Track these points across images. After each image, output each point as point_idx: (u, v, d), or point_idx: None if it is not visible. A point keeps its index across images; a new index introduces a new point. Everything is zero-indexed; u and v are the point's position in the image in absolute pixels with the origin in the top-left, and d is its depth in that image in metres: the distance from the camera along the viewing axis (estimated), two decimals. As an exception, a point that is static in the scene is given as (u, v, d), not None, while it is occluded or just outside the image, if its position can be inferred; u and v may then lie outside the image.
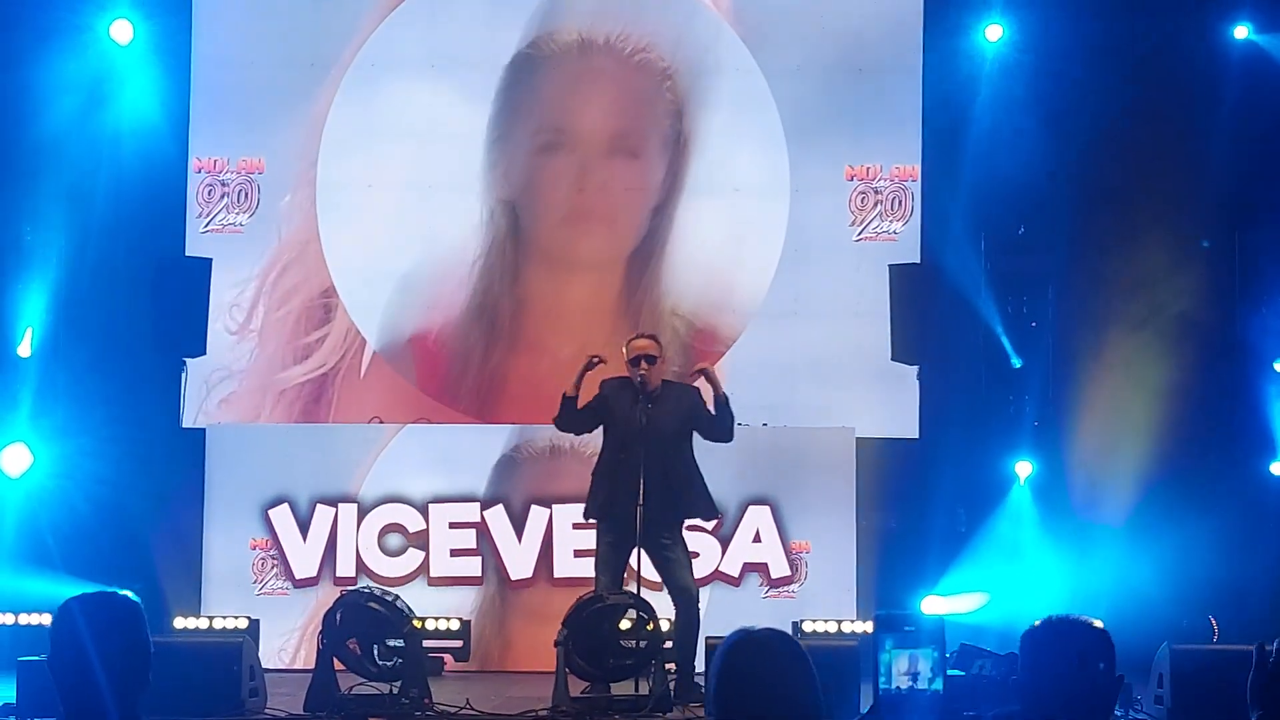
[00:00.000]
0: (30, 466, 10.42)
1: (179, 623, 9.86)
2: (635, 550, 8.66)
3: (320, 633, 8.49)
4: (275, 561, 10.41)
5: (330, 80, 10.82)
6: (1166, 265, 10.66)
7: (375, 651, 8.44)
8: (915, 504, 10.64)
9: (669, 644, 9.05)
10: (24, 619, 9.90)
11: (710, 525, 9.43)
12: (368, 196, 10.84)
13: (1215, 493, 10.55)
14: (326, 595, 9.75)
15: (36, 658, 7.61)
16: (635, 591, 8.60)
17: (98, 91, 10.67)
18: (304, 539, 10.33)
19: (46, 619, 9.17)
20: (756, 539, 10.34)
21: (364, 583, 9.77)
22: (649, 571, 8.73)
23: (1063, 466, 10.74)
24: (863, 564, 10.53)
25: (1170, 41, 10.80)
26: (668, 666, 8.54)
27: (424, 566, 10.35)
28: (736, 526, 10.30)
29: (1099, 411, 10.63)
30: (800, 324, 10.83)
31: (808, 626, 9.83)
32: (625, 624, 8.52)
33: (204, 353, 10.45)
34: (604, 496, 8.74)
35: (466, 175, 10.82)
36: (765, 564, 10.36)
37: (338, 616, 8.44)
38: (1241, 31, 10.99)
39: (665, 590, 8.80)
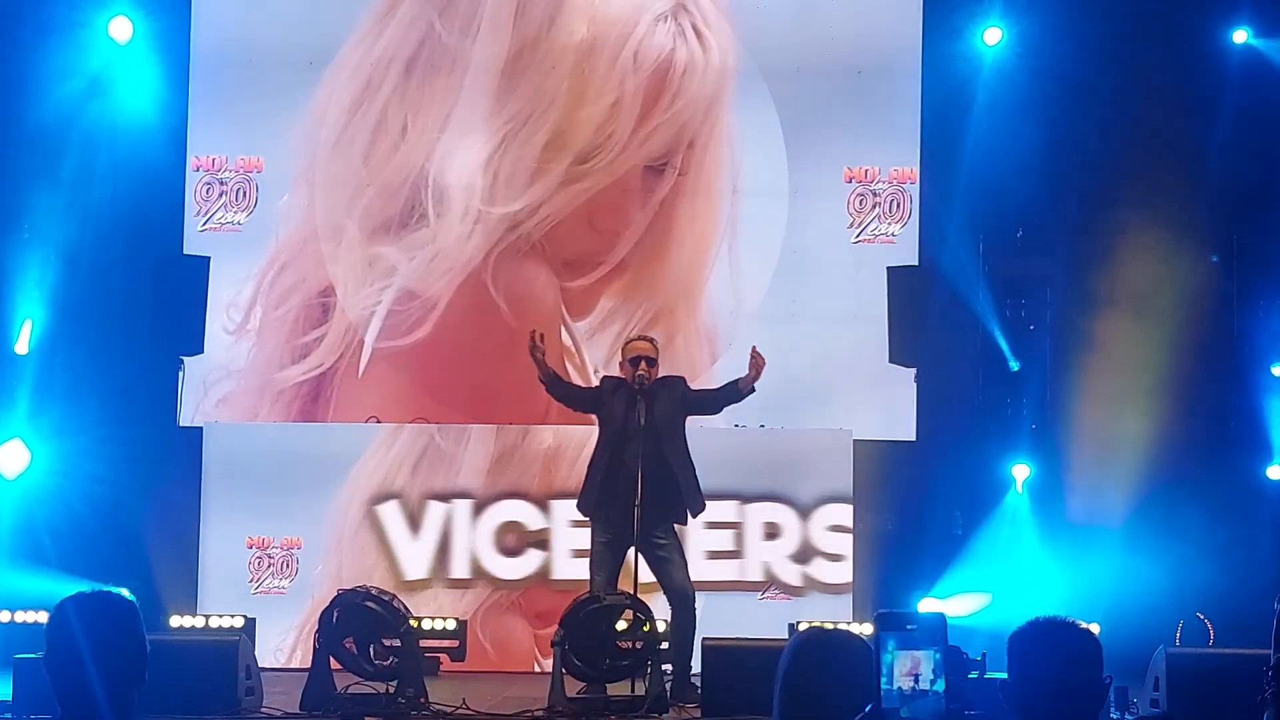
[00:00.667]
0: (27, 465, 10.41)
1: (175, 621, 9.85)
2: (632, 550, 8.68)
3: (316, 632, 8.48)
4: (272, 561, 10.42)
5: (330, 79, 10.80)
6: (1164, 269, 10.66)
7: (371, 651, 8.44)
8: (912, 506, 10.64)
9: (665, 645, 9.06)
10: (20, 617, 9.89)
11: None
12: (366, 196, 10.81)
13: (1212, 497, 10.55)
14: (324, 594, 9.74)
15: (33, 655, 7.60)
16: (633, 592, 8.60)
17: (96, 88, 10.66)
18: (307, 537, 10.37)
19: (43, 617, 9.10)
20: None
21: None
22: (644, 573, 8.73)
23: (1060, 469, 10.74)
24: (859, 567, 10.54)
25: (1169, 45, 10.80)
26: (664, 667, 8.54)
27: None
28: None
29: (1096, 415, 10.63)
30: (798, 326, 10.83)
31: (804, 629, 9.81)
32: (622, 624, 8.52)
33: (201, 351, 10.46)
34: (598, 495, 8.75)
35: (466, 174, 10.80)
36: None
37: (334, 615, 8.44)
38: (1241, 36, 10.99)
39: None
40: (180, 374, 10.53)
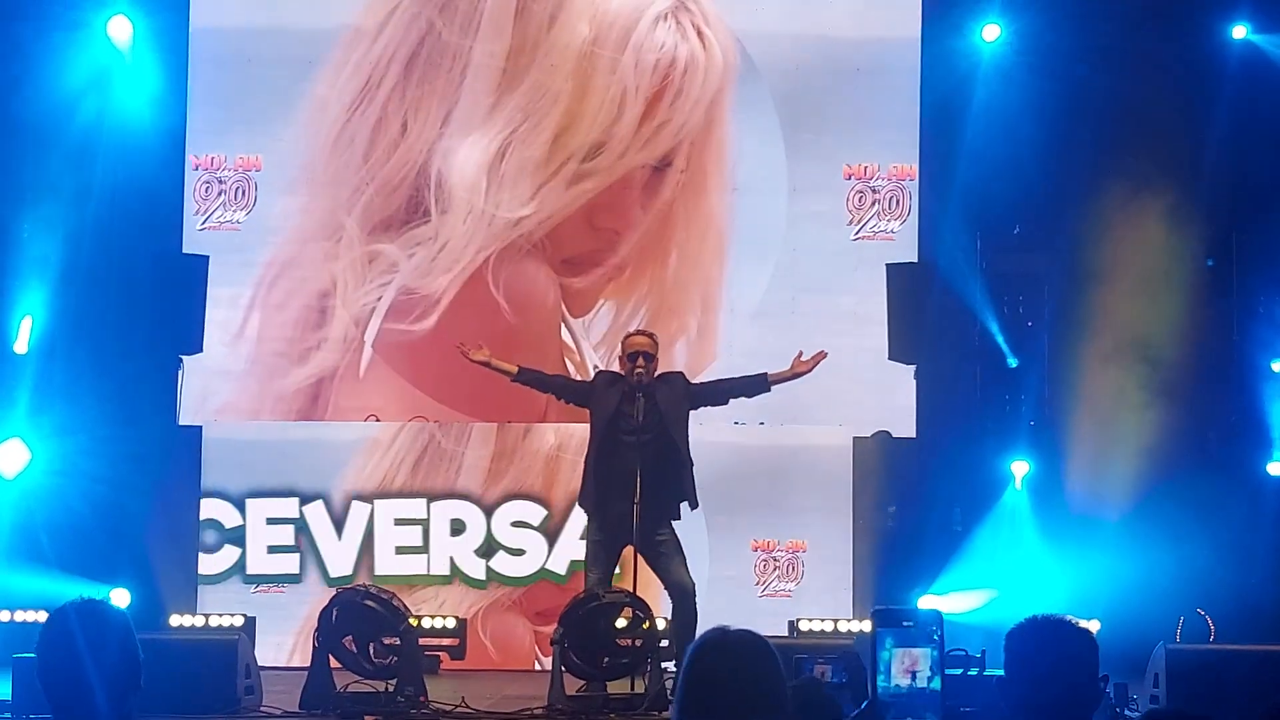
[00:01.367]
0: (27, 464, 10.40)
1: (175, 621, 9.86)
2: (629, 548, 8.67)
3: (316, 630, 8.48)
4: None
5: (329, 77, 10.79)
6: (1163, 265, 10.65)
7: (371, 649, 8.44)
8: (912, 503, 10.64)
9: (665, 642, 9.06)
10: (19, 616, 9.89)
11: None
12: (366, 194, 10.80)
13: (1213, 492, 10.54)
14: (324, 593, 9.75)
15: (32, 655, 7.58)
16: (632, 590, 8.60)
17: (95, 88, 10.65)
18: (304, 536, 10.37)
19: (42, 616, 9.15)
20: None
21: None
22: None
23: (1059, 465, 10.74)
24: (859, 563, 10.55)
25: (1168, 41, 10.79)
26: (664, 665, 8.54)
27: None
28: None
29: (1095, 411, 10.63)
30: (797, 323, 10.82)
31: (804, 625, 9.84)
32: (621, 622, 8.52)
33: (201, 350, 10.47)
34: (595, 493, 8.74)
35: (467, 172, 10.79)
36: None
37: (333, 614, 8.44)
38: (1240, 31, 10.99)
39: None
40: (180, 373, 10.52)
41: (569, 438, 10.57)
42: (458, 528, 10.60)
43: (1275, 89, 10.74)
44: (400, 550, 10.61)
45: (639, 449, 8.57)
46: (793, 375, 8.90)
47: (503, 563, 10.59)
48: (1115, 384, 10.65)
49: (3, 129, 10.64)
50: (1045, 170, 10.80)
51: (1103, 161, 10.71)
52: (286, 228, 10.80)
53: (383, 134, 10.74)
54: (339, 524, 10.59)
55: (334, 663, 8.44)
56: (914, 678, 7.48)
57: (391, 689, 8.28)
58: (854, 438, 10.48)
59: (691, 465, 8.81)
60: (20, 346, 10.53)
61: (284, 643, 10.31)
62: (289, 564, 10.58)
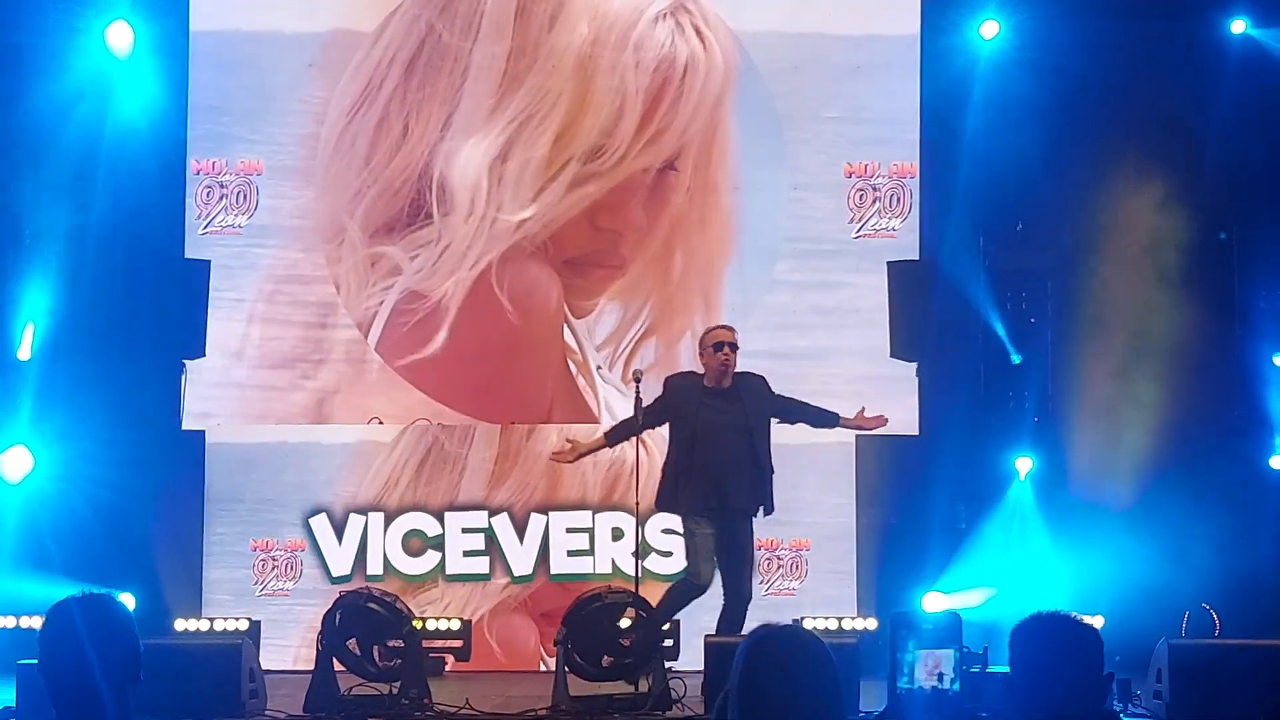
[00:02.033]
0: (30, 470, 10.42)
1: (179, 625, 9.88)
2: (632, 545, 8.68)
3: (320, 634, 8.49)
4: (275, 563, 10.46)
5: (330, 80, 10.80)
6: (1164, 260, 10.65)
7: (375, 652, 8.46)
8: (915, 501, 10.64)
9: (669, 642, 9.08)
10: (25, 622, 9.91)
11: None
12: (368, 196, 10.80)
13: (1216, 488, 10.54)
14: (330, 596, 9.76)
15: (37, 661, 7.59)
16: (635, 590, 8.61)
17: (96, 93, 10.66)
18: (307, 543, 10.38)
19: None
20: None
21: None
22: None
23: (1063, 462, 10.74)
24: (863, 561, 10.55)
25: (1168, 36, 10.79)
26: (667, 664, 8.54)
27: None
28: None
29: (1098, 407, 10.63)
30: (799, 321, 10.82)
31: (808, 624, 9.84)
32: (624, 622, 8.54)
33: (203, 354, 10.49)
34: (685, 495, 8.66)
35: (470, 175, 10.78)
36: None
37: (337, 617, 8.46)
38: (1239, 26, 10.98)
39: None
40: (183, 377, 10.54)
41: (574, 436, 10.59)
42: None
43: (1275, 83, 10.73)
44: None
45: (726, 441, 8.58)
46: (857, 427, 8.91)
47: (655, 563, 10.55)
48: (1118, 379, 10.66)
49: (4, 135, 10.65)
50: (1046, 166, 10.78)
51: (1103, 156, 10.71)
52: (288, 231, 10.80)
53: (384, 137, 10.74)
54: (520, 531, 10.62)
55: (338, 666, 8.46)
56: (941, 679, 7.50)
57: (395, 692, 8.29)
58: (857, 435, 10.47)
59: (772, 471, 8.79)
60: (23, 353, 10.54)
61: (289, 646, 10.32)
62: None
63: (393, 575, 10.45)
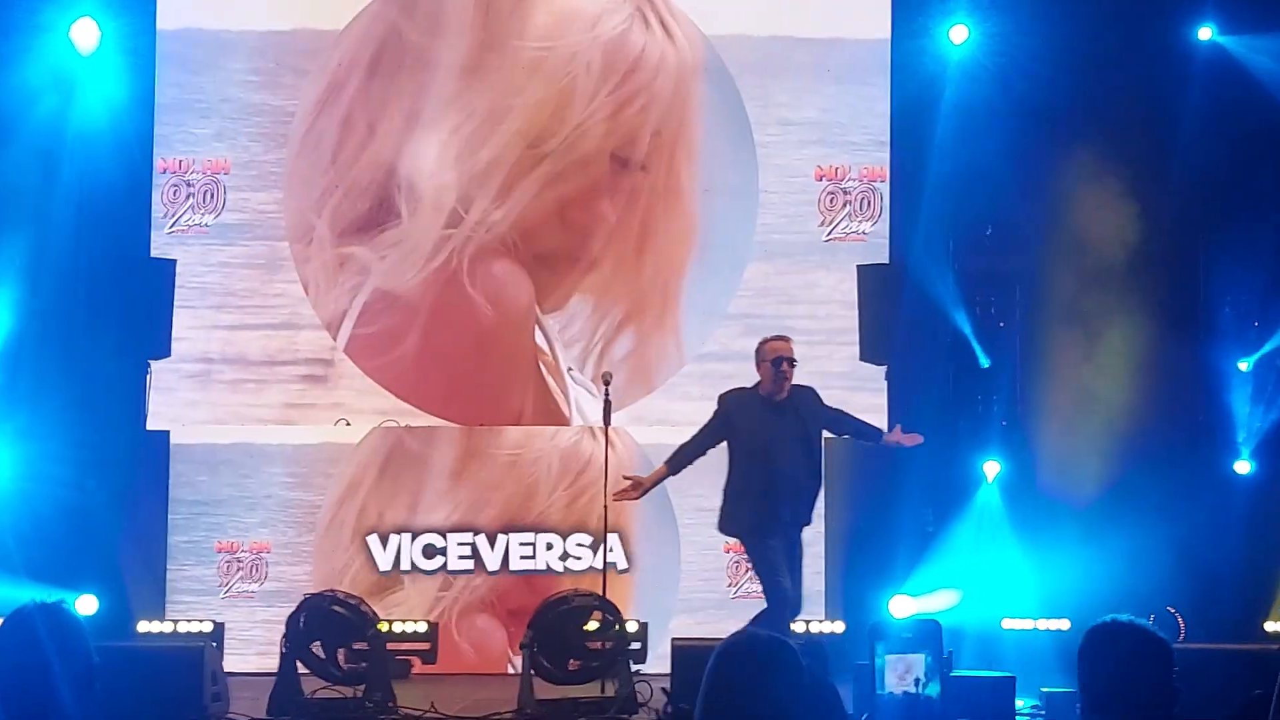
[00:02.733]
0: (-7, 470, 10.33)
1: (143, 627, 9.81)
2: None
3: (284, 636, 8.44)
4: (240, 565, 10.40)
5: (296, 79, 10.75)
6: (1132, 265, 10.68)
7: (339, 655, 8.41)
8: (883, 503, 10.63)
9: (636, 645, 9.06)
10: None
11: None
12: (335, 196, 10.75)
13: (1182, 492, 10.56)
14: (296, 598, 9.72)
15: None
16: (603, 593, 8.58)
17: (61, 91, 10.57)
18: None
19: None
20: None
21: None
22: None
23: (1031, 466, 10.75)
24: (830, 564, 10.55)
25: (1135, 43, 10.81)
26: (634, 667, 8.52)
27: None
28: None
29: (1066, 411, 10.65)
30: (768, 325, 10.77)
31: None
32: (591, 625, 8.51)
33: (169, 354, 10.43)
34: (751, 512, 8.57)
35: (435, 172, 10.75)
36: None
37: (301, 620, 8.41)
38: (1205, 33, 11.02)
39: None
40: (147, 377, 10.47)
41: (536, 435, 10.58)
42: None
43: (1242, 90, 10.77)
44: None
45: (790, 454, 8.51)
46: (895, 443, 8.91)
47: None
48: (1086, 384, 10.68)
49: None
50: (1015, 171, 10.79)
51: (1071, 162, 10.72)
52: (256, 231, 10.74)
53: (350, 136, 10.70)
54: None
55: (302, 669, 8.41)
56: (917, 684, 7.49)
57: (360, 695, 8.25)
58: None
59: (821, 482, 8.78)
60: (-13, 351, 10.46)
61: (253, 649, 10.26)
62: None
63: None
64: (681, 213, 10.86)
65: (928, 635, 7.69)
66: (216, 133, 10.76)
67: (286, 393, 10.68)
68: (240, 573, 10.43)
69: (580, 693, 8.50)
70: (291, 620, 8.45)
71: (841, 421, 8.98)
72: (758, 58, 10.91)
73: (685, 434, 10.42)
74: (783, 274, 10.88)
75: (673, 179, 10.84)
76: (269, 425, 10.65)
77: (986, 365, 10.93)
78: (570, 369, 10.68)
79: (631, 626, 9.22)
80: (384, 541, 10.54)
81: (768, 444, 8.55)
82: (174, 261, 10.46)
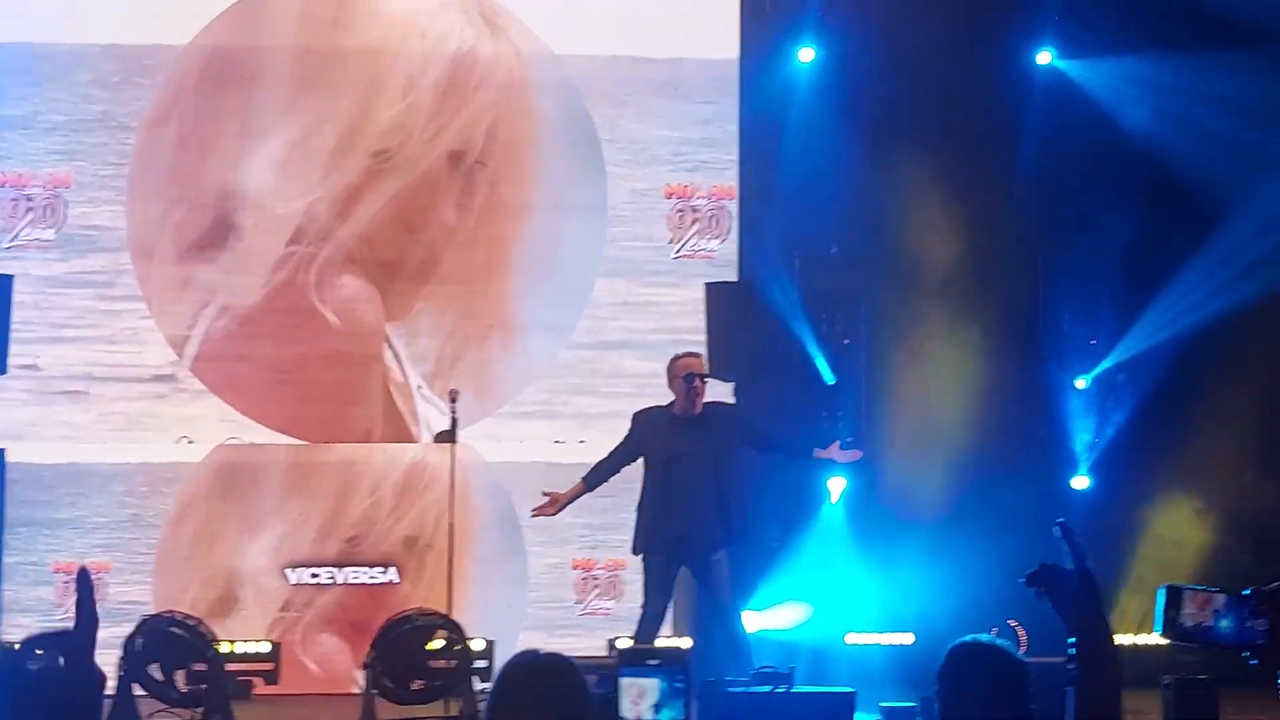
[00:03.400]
0: None
1: (-22, 649, 9.60)
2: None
3: (120, 658, 8.30)
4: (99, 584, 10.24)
5: (135, 94, 10.61)
6: (974, 284, 10.87)
7: (177, 677, 8.28)
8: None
9: (482, 663, 9.03)
10: None
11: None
12: (177, 213, 10.61)
13: (1022, 507, 10.73)
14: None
15: None
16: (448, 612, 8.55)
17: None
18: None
19: None
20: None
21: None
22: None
23: (875, 482, 10.88)
24: (679, 580, 10.57)
25: (977, 66, 11.01)
26: (479, 687, 8.50)
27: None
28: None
29: (910, 428, 10.80)
30: (617, 341, 10.87)
31: (622, 644, 9.82)
32: (435, 644, 8.48)
33: (4, 371, 10.21)
34: (644, 529, 8.57)
35: (271, 184, 10.65)
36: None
37: (138, 642, 8.27)
38: (1045, 57, 11.26)
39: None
40: (-16, 394, 10.27)
41: (382, 451, 10.52)
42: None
43: (1079, 112, 11.02)
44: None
45: (691, 470, 8.47)
46: (830, 460, 8.88)
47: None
48: (929, 401, 10.85)
49: None
50: (862, 190, 10.95)
51: (915, 183, 10.88)
52: (98, 246, 10.58)
53: (186, 152, 10.59)
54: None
55: (139, 691, 8.28)
56: (652, 710, 7.55)
57: (199, 717, 8.13)
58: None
59: (742, 498, 8.77)
60: None
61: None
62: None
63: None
64: (528, 229, 10.87)
65: (669, 660, 7.76)
66: (58, 147, 10.58)
67: (128, 410, 10.52)
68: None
69: (424, 712, 8.46)
70: (128, 642, 8.30)
71: (768, 438, 8.98)
72: (608, 75, 10.96)
73: (534, 448, 10.51)
74: (632, 291, 10.92)
75: (521, 198, 10.85)
76: (110, 443, 10.49)
77: (832, 382, 11.04)
78: (420, 386, 10.64)
79: (479, 645, 9.19)
80: (225, 560, 10.42)
81: (667, 461, 8.56)
82: (11, 277, 10.26)
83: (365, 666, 8.32)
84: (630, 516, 10.50)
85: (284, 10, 10.72)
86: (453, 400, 9.42)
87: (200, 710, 8.17)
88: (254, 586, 10.43)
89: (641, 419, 8.77)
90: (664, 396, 10.45)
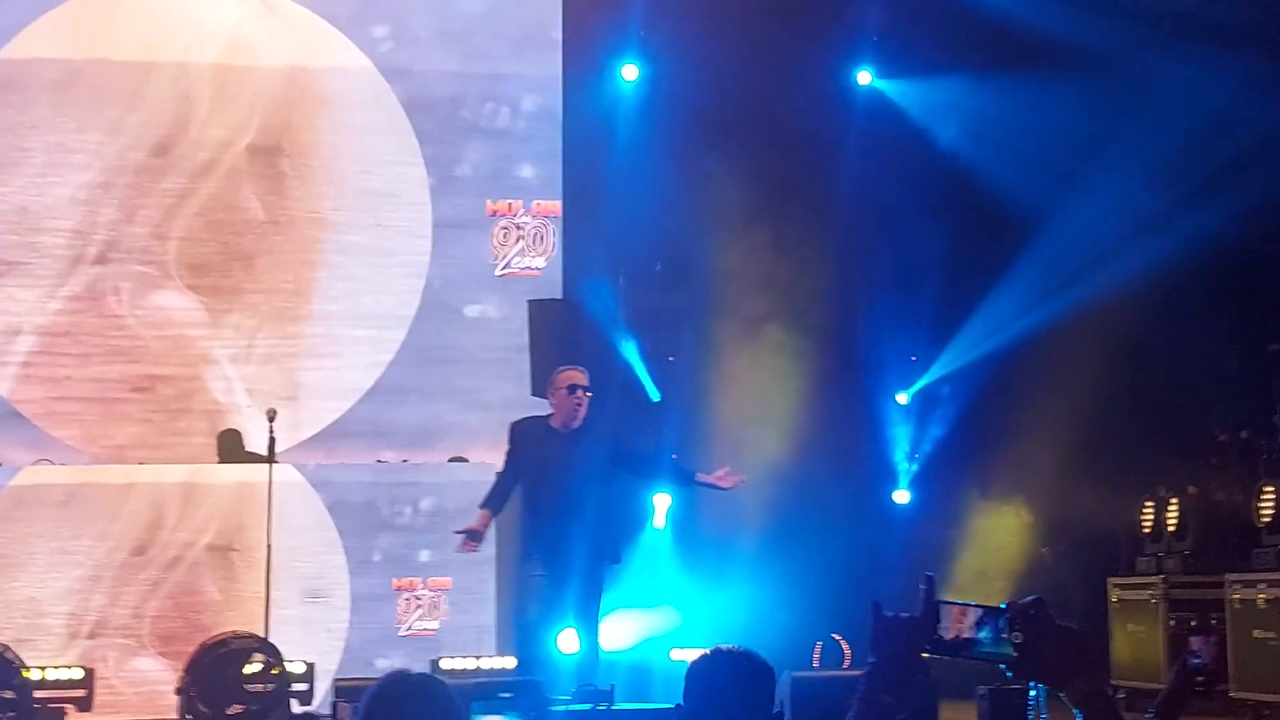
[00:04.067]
0: None
1: None
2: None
3: (-77, 689, 8.04)
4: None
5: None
6: (795, 301, 10.98)
7: (-18, 706, 8.04)
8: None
9: (300, 685, 8.90)
10: None
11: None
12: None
13: (846, 520, 10.88)
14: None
15: None
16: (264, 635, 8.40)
17: None
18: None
19: None
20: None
21: None
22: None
23: (699, 498, 10.91)
24: (502, 601, 10.53)
25: (800, 85, 11.15)
26: (300, 710, 8.37)
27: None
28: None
29: (734, 443, 10.84)
30: (441, 357, 10.79)
31: (445, 664, 9.75)
32: (252, 668, 8.32)
33: None
34: (523, 539, 8.40)
35: (65, 207, 10.41)
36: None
37: (-60, 670, 8.02)
38: (865, 77, 11.43)
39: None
40: None
41: (201, 471, 10.34)
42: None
43: (898, 131, 11.20)
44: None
45: (569, 484, 8.30)
46: (713, 485, 8.72)
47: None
48: (752, 416, 10.92)
49: None
50: (685, 208, 11.02)
51: (738, 200, 10.98)
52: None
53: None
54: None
55: (-58, 721, 8.02)
56: None
57: (4, 747, 7.90)
58: (498, 474, 10.46)
59: (619, 516, 8.66)
60: None
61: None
62: None
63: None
64: (350, 248, 10.74)
65: (526, 693, 7.81)
66: None
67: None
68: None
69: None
70: (-69, 672, 8.05)
71: (644, 462, 8.86)
72: (430, 91, 10.89)
73: (356, 469, 10.39)
74: (455, 308, 10.85)
75: (341, 216, 10.74)
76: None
77: (658, 399, 11.08)
78: (249, 406, 10.47)
79: (298, 668, 9.04)
80: (32, 584, 10.12)
81: (544, 472, 8.41)
82: None
83: (179, 692, 8.13)
84: (452, 537, 10.50)
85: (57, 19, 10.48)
86: (270, 419, 9.28)
87: (6, 740, 7.94)
88: (65, 610, 10.14)
89: (521, 429, 8.62)
90: (487, 412, 10.46)
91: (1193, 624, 9.84)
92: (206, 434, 10.47)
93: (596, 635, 8.64)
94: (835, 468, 11.00)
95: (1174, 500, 10.32)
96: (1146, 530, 10.57)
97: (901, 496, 11.28)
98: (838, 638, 10.37)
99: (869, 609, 3.31)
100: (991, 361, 10.95)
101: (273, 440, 9.28)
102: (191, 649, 8.66)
